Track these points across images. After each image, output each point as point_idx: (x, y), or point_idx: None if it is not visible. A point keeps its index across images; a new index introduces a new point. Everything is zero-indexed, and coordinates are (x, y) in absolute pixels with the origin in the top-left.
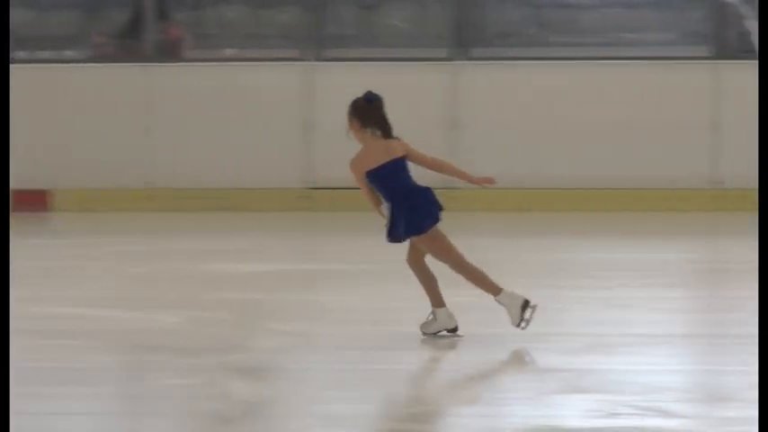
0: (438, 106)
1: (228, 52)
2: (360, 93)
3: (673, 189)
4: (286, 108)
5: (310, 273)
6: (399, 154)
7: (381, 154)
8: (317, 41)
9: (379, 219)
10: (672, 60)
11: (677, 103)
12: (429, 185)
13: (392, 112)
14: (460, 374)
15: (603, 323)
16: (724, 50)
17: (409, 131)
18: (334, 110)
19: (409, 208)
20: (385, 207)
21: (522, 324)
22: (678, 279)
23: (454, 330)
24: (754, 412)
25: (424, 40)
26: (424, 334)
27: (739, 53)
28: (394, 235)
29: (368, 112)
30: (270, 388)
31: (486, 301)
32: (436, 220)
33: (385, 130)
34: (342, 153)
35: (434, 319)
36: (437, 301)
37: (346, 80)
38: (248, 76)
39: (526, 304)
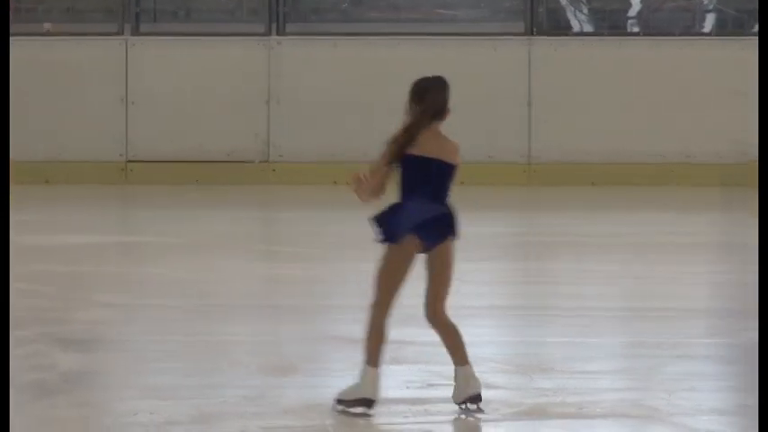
0: (255, 81)
1: (47, 26)
2: (176, 67)
3: (485, 163)
4: (105, 82)
5: (131, 245)
6: None
7: None
8: (133, 16)
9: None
10: (485, 36)
11: (492, 78)
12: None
13: (211, 87)
14: (280, 347)
15: (421, 295)
16: (536, 27)
17: (228, 105)
18: (150, 84)
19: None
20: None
21: (339, 407)
22: (495, 252)
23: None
24: (570, 383)
25: (239, 15)
26: None
27: (550, 30)
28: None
29: None
30: (93, 359)
31: (313, 273)
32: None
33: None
34: (159, 127)
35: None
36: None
37: (163, 55)
38: (67, 50)
39: (365, 402)
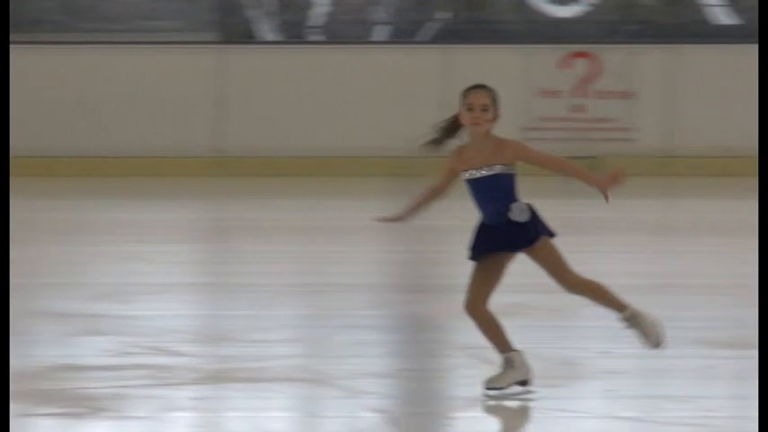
0: None
1: None
2: None
3: (179, 157)
4: None
5: None
6: None
7: None
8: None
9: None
10: (184, 45)
11: (187, 81)
12: None
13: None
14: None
15: (120, 274)
16: (228, 36)
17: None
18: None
19: None
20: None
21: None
22: (185, 235)
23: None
24: (250, 350)
25: None
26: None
27: (241, 39)
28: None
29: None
30: None
31: (26, 255)
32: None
33: None
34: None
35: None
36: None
37: None
38: None
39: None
